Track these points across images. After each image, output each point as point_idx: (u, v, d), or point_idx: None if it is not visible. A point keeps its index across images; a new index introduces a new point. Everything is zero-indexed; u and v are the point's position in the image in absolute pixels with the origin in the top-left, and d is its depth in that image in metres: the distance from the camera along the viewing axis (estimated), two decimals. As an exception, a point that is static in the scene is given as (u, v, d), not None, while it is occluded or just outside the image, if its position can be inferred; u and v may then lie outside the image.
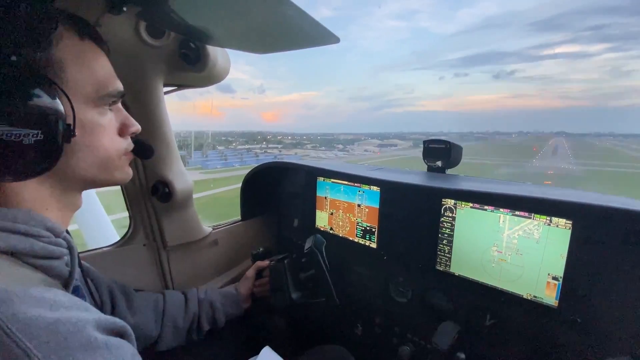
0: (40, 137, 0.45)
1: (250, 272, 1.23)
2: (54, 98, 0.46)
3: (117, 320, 0.46)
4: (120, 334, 0.46)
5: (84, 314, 0.42)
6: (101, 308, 0.83)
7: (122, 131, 0.61)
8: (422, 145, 1.35)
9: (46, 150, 0.46)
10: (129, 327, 0.48)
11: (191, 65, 1.05)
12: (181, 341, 1.03)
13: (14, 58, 0.44)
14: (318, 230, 1.49)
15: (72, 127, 0.49)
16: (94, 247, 1.17)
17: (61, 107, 0.47)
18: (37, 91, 0.44)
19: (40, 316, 0.38)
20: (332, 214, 1.44)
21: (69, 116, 0.48)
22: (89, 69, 0.53)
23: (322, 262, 1.09)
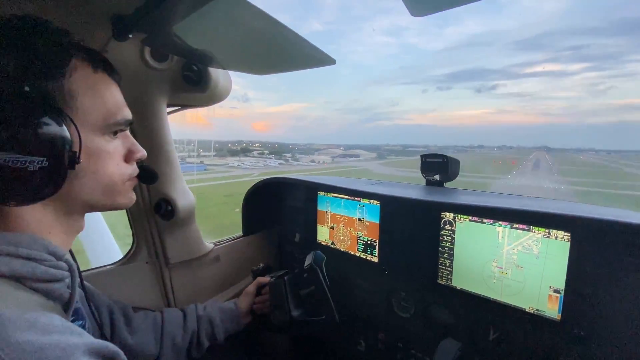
0: (45, 163, 0.46)
1: (251, 288, 1.23)
2: (61, 126, 0.47)
3: (109, 344, 0.46)
4: (111, 358, 0.46)
5: (75, 339, 0.42)
6: (101, 329, 0.84)
7: (128, 157, 0.62)
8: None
9: (50, 176, 0.47)
10: (121, 353, 0.48)
11: (194, 86, 1.08)
12: (182, 359, 1.02)
13: (27, 88, 0.45)
14: (319, 245, 1.50)
15: (77, 154, 0.50)
16: (96, 266, 1.18)
17: (68, 135, 0.48)
18: (46, 119, 0.45)
19: (29, 341, 0.38)
20: (333, 228, 1.45)
21: (75, 143, 0.49)
22: (100, 99, 0.54)
23: (322, 278, 1.09)
